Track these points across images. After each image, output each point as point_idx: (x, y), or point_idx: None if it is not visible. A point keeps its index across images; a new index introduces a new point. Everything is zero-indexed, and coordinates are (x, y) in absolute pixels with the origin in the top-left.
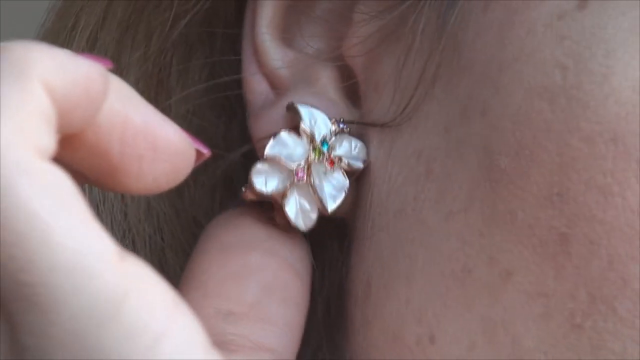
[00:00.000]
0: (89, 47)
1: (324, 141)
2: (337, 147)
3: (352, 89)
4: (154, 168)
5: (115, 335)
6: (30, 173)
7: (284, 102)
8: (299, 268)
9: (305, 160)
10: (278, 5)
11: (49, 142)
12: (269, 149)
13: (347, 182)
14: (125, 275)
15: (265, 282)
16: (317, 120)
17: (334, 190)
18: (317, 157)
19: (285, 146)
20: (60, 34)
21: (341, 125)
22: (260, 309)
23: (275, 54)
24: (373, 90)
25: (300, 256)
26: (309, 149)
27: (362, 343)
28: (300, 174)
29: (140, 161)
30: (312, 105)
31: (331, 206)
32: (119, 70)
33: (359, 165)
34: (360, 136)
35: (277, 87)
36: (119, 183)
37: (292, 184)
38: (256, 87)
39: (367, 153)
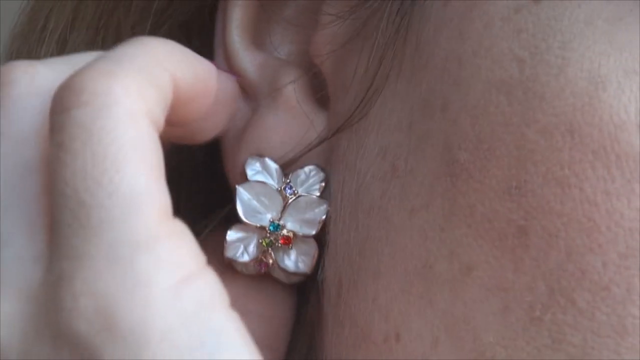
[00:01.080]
0: (58, 48)
1: (271, 223)
2: (290, 219)
3: (320, 91)
4: (222, 120)
5: (148, 264)
6: (135, 122)
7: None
8: (283, 298)
9: (259, 253)
10: (248, 8)
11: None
12: (227, 250)
13: (313, 244)
14: (167, 224)
15: (250, 282)
16: (263, 200)
17: (301, 258)
18: (268, 244)
19: (239, 241)
20: (30, 35)
21: (288, 193)
22: (245, 304)
23: (244, 56)
24: (340, 91)
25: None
26: (258, 242)
27: (334, 342)
28: (262, 267)
29: (215, 117)
30: (259, 160)
31: (307, 269)
32: None
33: (313, 231)
34: (330, 139)
35: (246, 90)
36: (196, 138)
37: (266, 270)
38: None
39: (327, 180)
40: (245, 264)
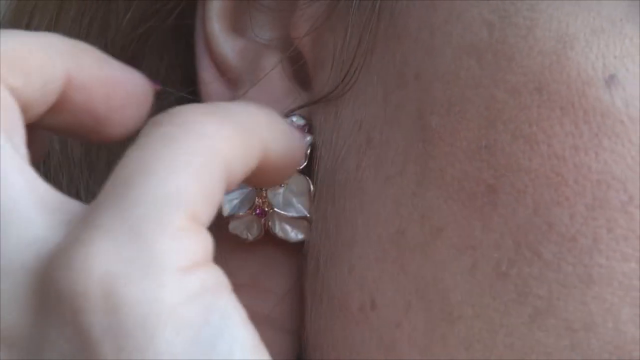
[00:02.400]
0: None
1: None
2: None
3: (302, 72)
4: (132, 113)
5: (167, 247)
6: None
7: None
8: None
9: (255, 197)
10: None
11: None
12: (224, 209)
13: (306, 180)
14: (195, 224)
15: (263, 258)
16: None
17: (299, 197)
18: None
19: (234, 195)
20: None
21: None
22: (259, 281)
23: (225, 42)
24: (319, 69)
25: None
26: (252, 187)
27: (314, 317)
28: (260, 212)
29: (122, 110)
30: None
31: (307, 211)
32: None
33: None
34: (308, 117)
35: (227, 75)
36: (105, 134)
37: (265, 220)
38: (208, 78)
39: (313, 131)
40: (247, 223)
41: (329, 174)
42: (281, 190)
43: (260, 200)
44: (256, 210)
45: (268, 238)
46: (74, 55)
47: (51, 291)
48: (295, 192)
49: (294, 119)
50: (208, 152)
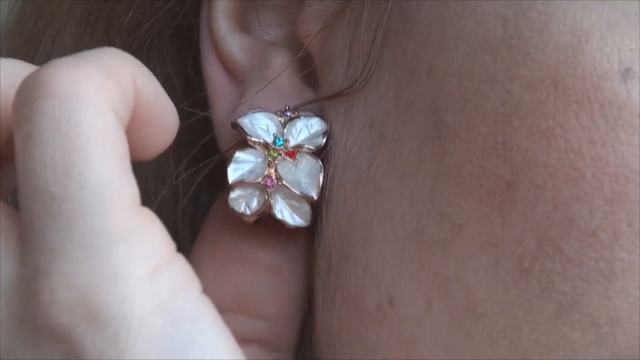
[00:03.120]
0: (53, 47)
1: (276, 139)
2: (292, 136)
3: (309, 71)
4: (171, 136)
5: (124, 255)
6: (101, 114)
7: (242, 100)
8: (287, 259)
9: (267, 167)
10: None
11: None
12: (231, 175)
13: (318, 162)
14: (138, 214)
15: (254, 278)
16: (261, 124)
17: (308, 178)
18: (276, 157)
19: (244, 164)
20: (22, 34)
21: (288, 114)
22: (248, 304)
23: (232, 40)
24: (328, 67)
25: (291, 249)
26: (266, 155)
27: (325, 317)
28: (270, 183)
29: (167, 132)
30: (257, 109)
31: (314, 192)
32: None
33: (320, 142)
34: (318, 114)
35: (234, 74)
36: (147, 152)
37: (269, 194)
38: (215, 76)
39: (327, 123)
40: (249, 196)
41: (339, 172)
42: (293, 166)
43: (271, 170)
44: (266, 180)
45: (257, 255)
46: (140, 74)
47: (32, 326)
48: (306, 172)
49: (305, 115)
50: (97, 114)
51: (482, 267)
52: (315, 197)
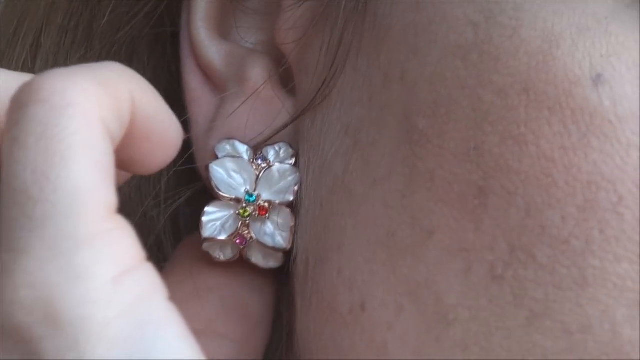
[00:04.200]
0: (32, 52)
1: (247, 195)
2: (264, 190)
3: (287, 77)
4: (173, 153)
5: (89, 259)
6: (89, 123)
7: (220, 115)
8: (261, 285)
9: (238, 224)
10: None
11: (114, 125)
12: (204, 230)
13: (289, 214)
14: (109, 221)
15: (224, 300)
16: (235, 175)
17: (281, 231)
18: (248, 215)
19: (217, 217)
20: (5, 35)
21: (260, 161)
22: (217, 326)
23: (211, 46)
24: (304, 74)
25: (262, 274)
26: (238, 213)
27: (304, 320)
28: (241, 241)
29: (168, 148)
30: (231, 141)
31: (287, 244)
32: None
33: (289, 198)
34: (296, 122)
35: (213, 80)
36: (146, 168)
37: (242, 248)
38: (193, 83)
39: (297, 157)
40: (222, 245)
41: (316, 177)
42: (265, 222)
43: (243, 229)
44: (237, 239)
45: (229, 279)
46: (140, 89)
47: None
48: (278, 225)
49: (282, 147)
50: (84, 122)
51: (453, 273)
52: (288, 248)
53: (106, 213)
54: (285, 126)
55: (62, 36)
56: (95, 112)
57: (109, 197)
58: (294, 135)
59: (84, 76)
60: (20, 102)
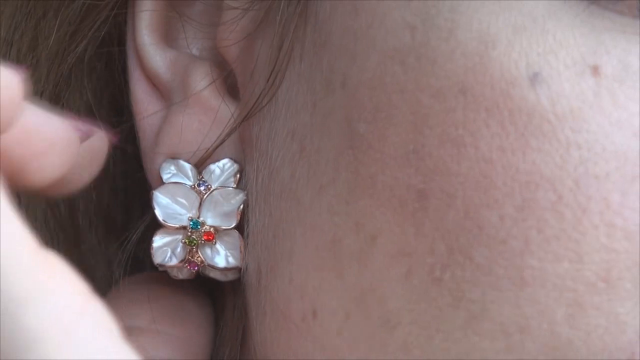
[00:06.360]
0: None
1: (191, 222)
2: (209, 216)
3: (233, 84)
4: (52, 161)
5: (38, 317)
6: None
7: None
8: (203, 295)
9: (187, 252)
10: (156, 8)
11: None
12: (155, 257)
13: (236, 236)
14: (43, 263)
15: (169, 305)
16: (180, 200)
17: (230, 253)
18: (194, 242)
19: (165, 245)
20: None
21: (202, 187)
22: (158, 326)
23: (155, 54)
24: (248, 81)
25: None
26: (185, 242)
27: (259, 330)
28: (192, 266)
29: (41, 158)
30: (175, 160)
31: (238, 262)
32: None
33: (233, 222)
34: (242, 130)
35: (160, 90)
36: (27, 181)
37: (198, 270)
38: (139, 92)
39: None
40: (177, 268)
41: (265, 184)
42: (212, 247)
43: (193, 254)
44: (187, 264)
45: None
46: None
47: None
48: (226, 246)
49: (226, 164)
50: None
51: (396, 277)
52: (242, 265)
53: (36, 255)
54: (230, 133)
55: (8, 48)
56: None
57: (29, 237)
58: (240, 144)
59: None
60: None
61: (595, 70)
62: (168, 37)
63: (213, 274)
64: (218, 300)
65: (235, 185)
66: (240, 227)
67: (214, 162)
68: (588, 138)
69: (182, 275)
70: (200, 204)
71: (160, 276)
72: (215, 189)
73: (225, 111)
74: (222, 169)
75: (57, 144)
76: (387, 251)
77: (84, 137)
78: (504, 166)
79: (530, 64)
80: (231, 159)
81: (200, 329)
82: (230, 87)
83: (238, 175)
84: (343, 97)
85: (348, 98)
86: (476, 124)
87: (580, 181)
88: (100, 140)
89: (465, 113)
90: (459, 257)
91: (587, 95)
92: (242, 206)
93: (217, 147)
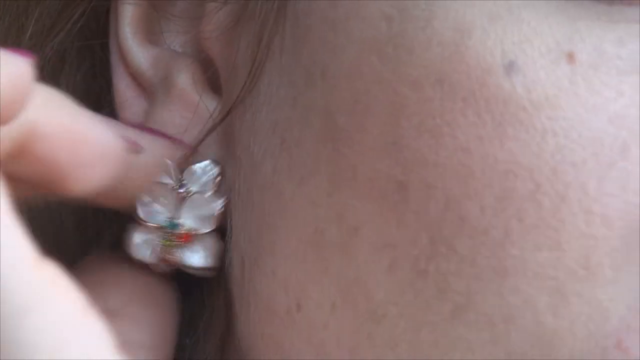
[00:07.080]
0: None
1: (170, 223)
2: (186, 218)
3: (214, 78)
4: (97, 172)
5: (36, 328)
6: None
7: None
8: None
9: (164, 253)
10: (138, 5)
11: None
12: (133, 252)
13: (213, 239)
14: (43, 276)
15: (138, 288)
16: (161, 200)
17: (206, 255)
18: (171, 244)
19: (143, 242)
20: None
21: (182, 190)
22: (130, 309)
23: (137, 52)
24: (230, 75)
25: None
26: (161, 243)
27: (244, 322)
28: (169, 266)
29: (88, 167)
30: None
31: (215, 262)
32: None
33: (208, 228)
34: (225, 125)
35: (143, 86)
36: (67, 188)
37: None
38: (122, 88)
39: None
40: (155, 264)
41: (248, 179)
42: (189, 249)
43: (171, 254)
44: (164, 263)
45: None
46: (44, 105)
47: None
48: (202, 248)
49: (207, 166)
50: None
51: (380, 269)
52: (218, 265)
53: (36, 268)
54: (212, 129)
55: None
56: None
57: (29, 248)
58: (224, 140)
59: None
60: None
61: (571, 57)
62: (150, 34)
63: (192, 272)
64: (202, 289)
65: (215, 189)
66: (221, 227)
67: (196, 161)
68: (564, 125)
69: (161, 269)
70: (180, 206)
71: (127, 257)
72: (196, 192)
73: (207, 106)
74: (203, 170)
75: (104, 156)
76: (371, 243)
77: (133, 150)
78: (482, 156)
79: (505, 52)
80: (213, 160)
81: (169, 313)
82: (213, 83)
83: (218, 179)
84: (323, 89)
85: (328, 90)
86: (453, 113)
87: (558, 169)
88: (152, 157)
89: (442, 103)
90: (442, 249)
91: (563, 83)
92: (220, 210)
93: (200, 142)
